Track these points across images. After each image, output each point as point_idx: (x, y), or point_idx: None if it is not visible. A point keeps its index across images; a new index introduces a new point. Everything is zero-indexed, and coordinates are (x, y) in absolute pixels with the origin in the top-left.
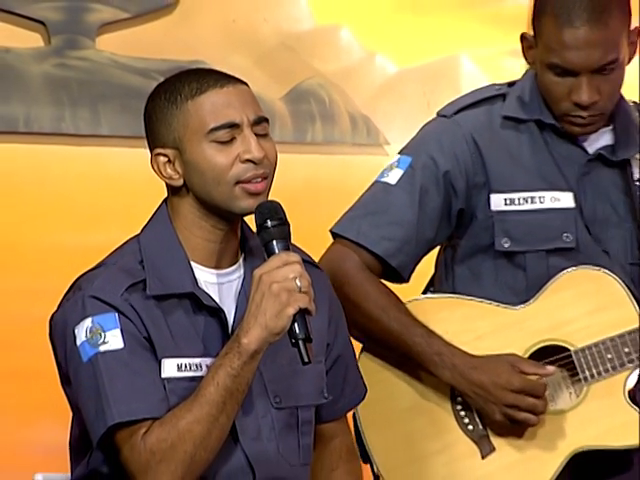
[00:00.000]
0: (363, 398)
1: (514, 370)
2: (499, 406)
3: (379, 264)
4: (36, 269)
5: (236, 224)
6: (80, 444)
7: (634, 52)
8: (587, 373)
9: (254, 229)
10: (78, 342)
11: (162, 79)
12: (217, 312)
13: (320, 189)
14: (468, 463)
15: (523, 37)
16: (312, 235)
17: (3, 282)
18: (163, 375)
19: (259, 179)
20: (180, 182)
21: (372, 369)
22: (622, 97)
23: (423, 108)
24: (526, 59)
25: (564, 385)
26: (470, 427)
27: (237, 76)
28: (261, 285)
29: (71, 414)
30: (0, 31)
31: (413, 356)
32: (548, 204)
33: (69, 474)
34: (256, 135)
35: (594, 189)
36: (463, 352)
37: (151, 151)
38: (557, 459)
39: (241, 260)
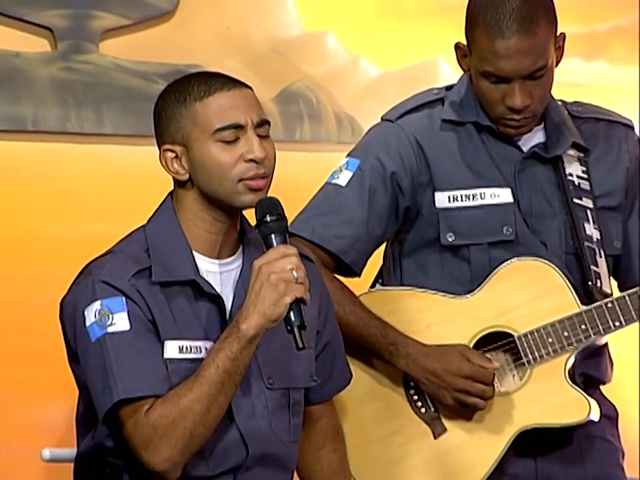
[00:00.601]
0: (349, 383)
1: (464, 358)
2: (450, 391)
3: (333, 261)
4: (44, 259)
5: (236, 217)
6: (85, 420)
7: (561, 56)
8: (530, 357)
9: (252, 223)
10: (87, 323)
11: (161, 82)
12: (216, 299)
13: (308, 184)
14: (421, 443)
15: (457, 47)
16: None
17: (15, 271)
18: (166, 356)
19: (260, 177)
20: (186, 177)
21: None
22: (552, 97)
23: None
24: (461, 67)
25: (508, 369)
26: (423, 410)
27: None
28: (260, 275)
29: (77, 393)
30: (10, 36)
31: (369, 347)
32: (488, 200)
33: (74, 449)
34: (258, 136)
35: (530, 185)
36: (416, 341)
37: (159, 147)
38: (504, 438)
39: (240, 251)
